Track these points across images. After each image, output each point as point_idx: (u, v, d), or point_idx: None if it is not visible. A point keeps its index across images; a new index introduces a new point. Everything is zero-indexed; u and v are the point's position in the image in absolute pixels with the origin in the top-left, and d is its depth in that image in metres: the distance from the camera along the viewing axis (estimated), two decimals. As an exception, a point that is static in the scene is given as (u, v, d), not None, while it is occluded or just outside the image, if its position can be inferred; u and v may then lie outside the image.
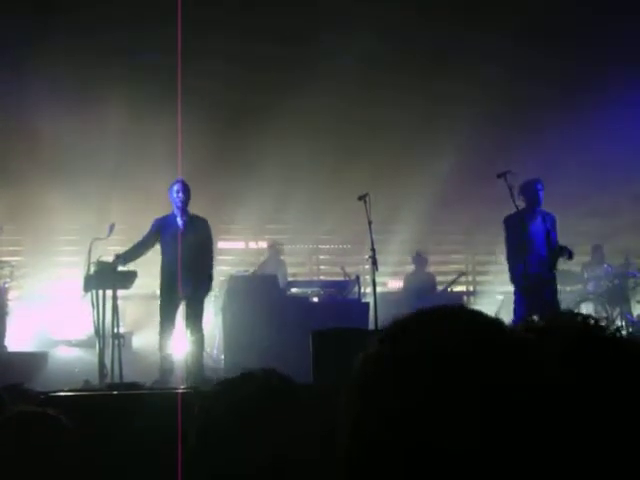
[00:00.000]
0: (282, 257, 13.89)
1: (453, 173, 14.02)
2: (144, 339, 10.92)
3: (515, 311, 9.49)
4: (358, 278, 11.97)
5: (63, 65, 12.91)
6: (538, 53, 14.12)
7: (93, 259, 8.93)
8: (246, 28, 13.69)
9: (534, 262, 9.48)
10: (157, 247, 9.43)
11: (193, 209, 9.52)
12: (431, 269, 14.44)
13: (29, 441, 2.47)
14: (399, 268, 14.71)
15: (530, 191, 9.72)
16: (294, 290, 11.99)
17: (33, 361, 10.17)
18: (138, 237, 9.52)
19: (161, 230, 9.36)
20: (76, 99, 13.25)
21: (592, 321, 1.12)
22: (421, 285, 13.40)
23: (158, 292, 9.41)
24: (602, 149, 14.54)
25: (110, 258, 9.13)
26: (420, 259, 14.14)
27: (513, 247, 9.70)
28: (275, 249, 13.73)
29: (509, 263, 9.80)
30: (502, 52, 13.69)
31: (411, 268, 14.32)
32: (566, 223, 14.80)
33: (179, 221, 9.29)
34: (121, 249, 9.41)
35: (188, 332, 9.18)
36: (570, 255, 9.73)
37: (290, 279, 12.67)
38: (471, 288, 16.66)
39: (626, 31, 13.58)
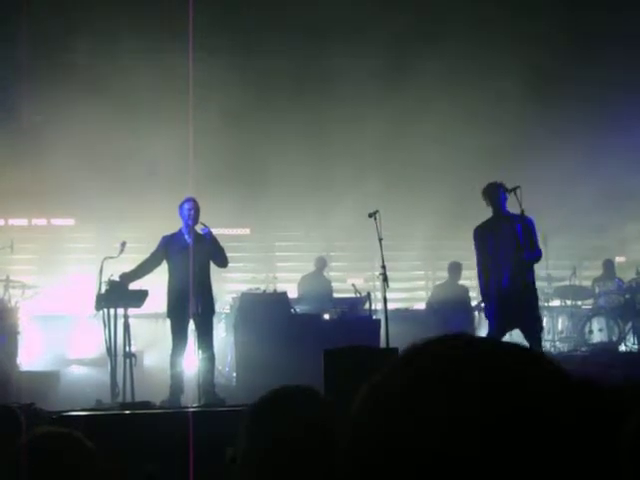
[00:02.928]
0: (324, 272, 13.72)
1: (463, 189, 14.04)
2: (156, 358, 10.92)
3: (488, 328, 9.18)
4: (369, 295, 11.95)
5: (71, 87, 13.00)
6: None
7: (104, 278, 8.96)
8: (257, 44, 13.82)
9: (507, 273, 9.05)
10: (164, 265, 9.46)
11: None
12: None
13: (58, 462, 2.47)
14: (409, 284, 14.68)
15: (490, 195, 9.26)
16: (305, 307, 11.98)
17: (45, 380, 10.17)
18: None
19: (169, 248, 9.36)
20: (85, 119, 13.32)
21: None
22: (453, 298, 12.78)
23: (166, 309, 9.40)
24: (614, 163, 14.52)
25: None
26: (456, 269, 13.34)
27: (482, 261, 9.29)
28: (320, 263, 13.59)
29: (481, 278, 9.32)
30: (519, 66, 13.74)
31: (421, 284, 14.28)
32: (578, 237, 14.92)
33: (188, 238, 9.28)
34: (133, 267, 9.42)
35: (199, 350, 9.17)
36: (538, 258, 9.29)
37: (295, 295, 12.50)
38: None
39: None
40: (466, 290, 13.37)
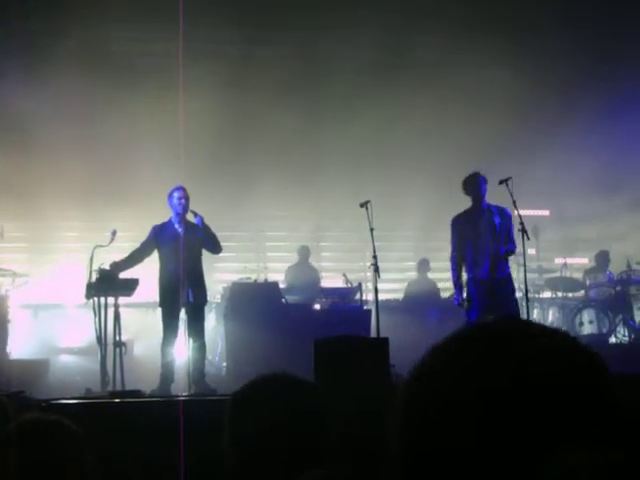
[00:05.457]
0: (310, 261, 13.73)
1: (454, 180, 14.03)
2: (146, 347, 10.91)
3: (469, 319, 9.09)
4: (360, 285, 11.96)
5: (63, 73, 12.95)
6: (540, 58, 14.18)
7: (95, 266, 8.93)
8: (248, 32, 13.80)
9: (487, 264, 9.13)
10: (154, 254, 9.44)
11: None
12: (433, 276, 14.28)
13: (47, 448, 2.46)
14: (400, 275, 14.67)
15: (472, 185, 9.29)
16: (296, 297, 11.97)
17: (34, 368, 10.15)
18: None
19: (159, 237, 9.34)
20: (75, 107, 13.28)
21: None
22: (424, 292, 13.22)
23: (158, 300, 9.39)
24: (608, 153, 14.55)
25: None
26: (424, 266, 13.93)
27: (460, 250, 9.31)
28: (304, 253, 13.60)
29: (453, 267, 9.38)
30: (506, 57, 13.73)
31: (413, 275, 14.27)
32: (569, 228, 14.95)
33: (178, 228, 9.25)
34: (123, 256, 9.39)
35: (190, 339, 9.16)
36: (512, 251, 9.32)
37: (283, 286, 12.48)
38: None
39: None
40: (435, 284, 13.82)
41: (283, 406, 2.27)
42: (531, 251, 11.34)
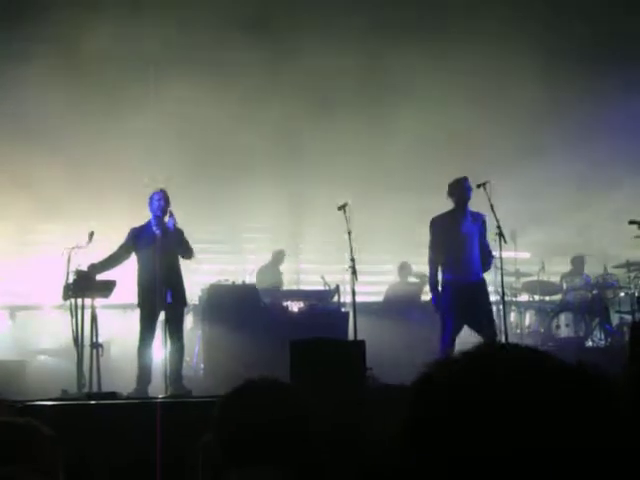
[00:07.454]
0: (280, 267, 13.74)
1: (434, 183, 14.09)
2: (123, 348, 10.87)
3: (445, 323, 9.13)
4: (338, 287, 11.97)
5: (43, 73, 12.91)
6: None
7: (72, 267, 8.90)
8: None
9: (466, 268, 9.20)
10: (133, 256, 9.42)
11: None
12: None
13: (15, 451, 2.45)
14: (378, 278, 14.69)
15: (459, 189, 9.31)
16: (273, 299, 11.96)
17: (10, 370, 10.09)
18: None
19: (137, 240, 9.32)
20: (53, 107, 13.23)
21: None
22: (404, 296, 13.18)
23: (137, 302, 9.36)
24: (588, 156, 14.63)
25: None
26: (405, 269, 13.89)
27: (441, 252, 9.30)
28: (277, 257, 13.62)
29: (432, 269, 9.38)
30: (490, 62, 13.79)
31: (391, 278, 14.27)
32: (547, 232, 15.00)
33: (156, 230, 9.22)
34: (101, 258, 9.36)
35: (168, 341, 9.15)
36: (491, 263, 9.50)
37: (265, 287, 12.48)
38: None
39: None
40: (416, 287, 13.62)
41: (269, 410, 2.30)
42: (508, 254, 11.37)
